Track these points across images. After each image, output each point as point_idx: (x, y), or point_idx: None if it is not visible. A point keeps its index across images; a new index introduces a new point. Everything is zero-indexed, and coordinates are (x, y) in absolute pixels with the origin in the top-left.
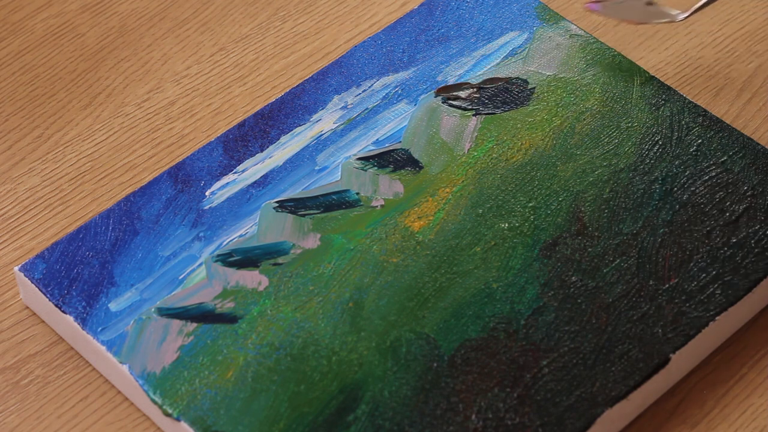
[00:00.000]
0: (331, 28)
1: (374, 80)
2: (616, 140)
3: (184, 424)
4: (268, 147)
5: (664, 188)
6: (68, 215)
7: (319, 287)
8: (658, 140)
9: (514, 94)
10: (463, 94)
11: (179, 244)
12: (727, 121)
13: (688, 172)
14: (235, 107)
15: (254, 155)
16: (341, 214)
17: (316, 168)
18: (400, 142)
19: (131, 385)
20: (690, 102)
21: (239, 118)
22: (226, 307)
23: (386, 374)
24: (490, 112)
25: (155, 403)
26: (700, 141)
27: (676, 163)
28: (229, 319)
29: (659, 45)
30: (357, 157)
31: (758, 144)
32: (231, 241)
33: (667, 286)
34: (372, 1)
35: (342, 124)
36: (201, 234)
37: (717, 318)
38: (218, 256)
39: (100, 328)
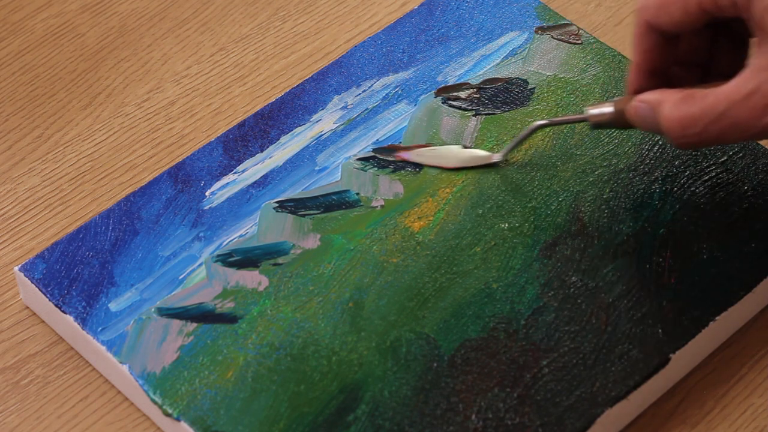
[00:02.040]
0: (331, 28)
1: (374, 80)
2: (616, 140)
3: (184, 424)
4: (268, 147)
5: (664, 188)
6: (68, 215)
7: (319, 287)
8: (658, 140)
9: (514, 94)
10: (463, 94)
11: (179, 244)
12: None
13: (688, 172)
14: (235, 107)
15: (254, 155)
16: (341, 214)
17: (316, 168)
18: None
19: (131, 385)
20: None
21: (239, 118)
22: (226, 307)
23: (386, 374)
24: (490, 112)
25: (155, 403)
26: None
27: (676, 163)
28: (229, 319)
29: None
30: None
31: (758, 144)
32: (231, 241)
33: (667, 286)
34: (372, 1)
35: (342, 125)
36: (201, 234)
37: (717, 318)
38: (218, 256)
39: (100, 328)
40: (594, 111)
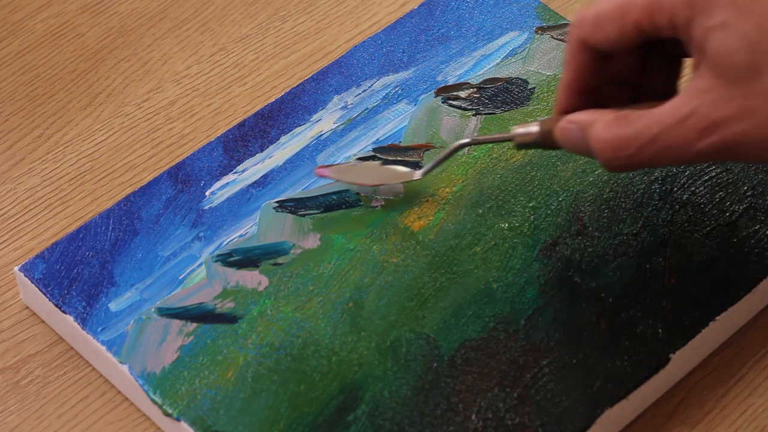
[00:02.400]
0: (331, 28)
1: (374, 80)
2: None
3: (184, 424)
4: (268, 147)
5: (664, 188)
6: (68, 215)
7: (319, 287)
8: None
9: (514, 94)
10: (463, 94)
11: (179, 244)
12: None
13: (688, 172)
14: (235, 107)
15: (254, 155)
16: (341, 214)
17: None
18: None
19: (131, 385)
20: None
21: (239, 118)
22: (226, 307)
23: (386, 374)
24: (490, 112)
25: (155, 403)
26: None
27: None
28: (229, 319)
29: None
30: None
31: None
32: (231, 241)
33: (667, 286)
34: (372, 1)
35: (342, 124)
36: (201, 234)
37: (717, 318)
38: (218, 256)
39: (100, 328)
40: (519, 131)
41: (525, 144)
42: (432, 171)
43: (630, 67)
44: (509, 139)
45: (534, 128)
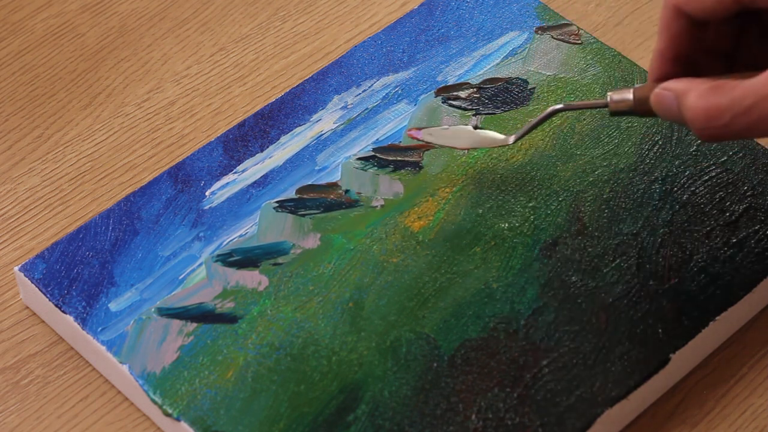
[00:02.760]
0: (331, 28)
1: (374, 80)
2: (616, 140)
3: (184, 424)
4: (268, 147)
5: (664, 188)
6: (68, 215)
7: (319, 287)
8: (658, 140)
9: (514, 94)
10: (463, 94)
11: (179, 244)
12: None
13: (688, 172)
14: (235, 107)
15: (254, 155)
16: (341, 214)
17: (316, 168)
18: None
19: (131, 385)
20: None
21: (239, 118)
22: (226, 307)
23: (386, 374)
24: (490, 112)
25: (155, 403)
26: (700, 141)
27: (676, 163)
28: (229, 319)
29: None
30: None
31: (758, 144)
32: (231, 241)
33: (667, 286)
34: (372, 1)
35: (342, 124)
36: (201, 234)
37: (717, 318)
38: (218, 256)
39: (100, 328)
40: (615, 96)
41: (619, 111)
42: (524, 137)
43: (725, 37)
44: (603, 106)
45: (629, 95)
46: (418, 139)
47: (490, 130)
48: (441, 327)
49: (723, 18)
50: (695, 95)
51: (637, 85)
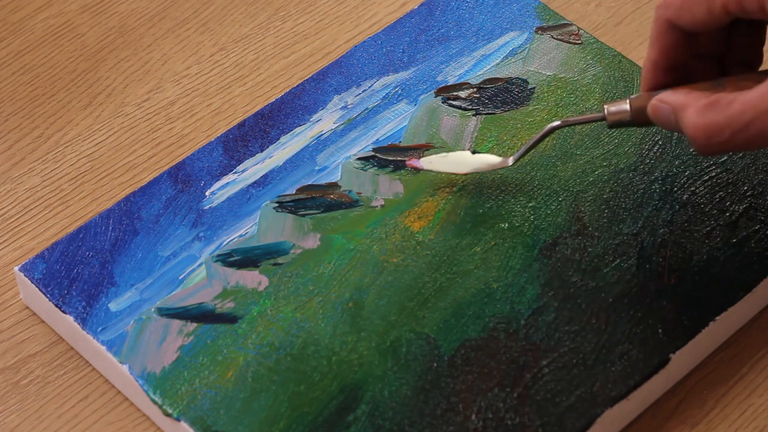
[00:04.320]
0: (331, 28)
1: (374, 80)
2: (616, 140)
3: (184, 424)
4: (268, 147)
5: (664, 188)
6: (68, 215)
7: (319, 287)
8: (658, 140)
9: (514, 94)
10: (463, 94)
11: (179, 244)
12: None
13: (688, 172)
14: (235, 107)
15: (254, 155)
16: (341, 214)
17: (316, 168)
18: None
19: (131, 385)
20: None
21: (239, 118)
22: (226, 307)
23: (386, 374)
24: (490, 112)
25: (155, 403)
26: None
27: (676, 163)
28: (229, 319)
29: None
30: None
31: None
32: (231, 241)
33: (667, 286)
34: (372, 1)
35: (342, 124)
36: (201, 234)
37: (717, 318)
38: (218, 256)
39: (100, 328)
40: (611, 108)
41: (617, 123)
42: (523, 157)
43: (716, 41)
44: (601, 119)
45: (625, 106)
46: (418, 168)
47: (487, 153)
48: (441, 327)
49: (715, 29)
50: (694, 113)
51: (632, 96)
